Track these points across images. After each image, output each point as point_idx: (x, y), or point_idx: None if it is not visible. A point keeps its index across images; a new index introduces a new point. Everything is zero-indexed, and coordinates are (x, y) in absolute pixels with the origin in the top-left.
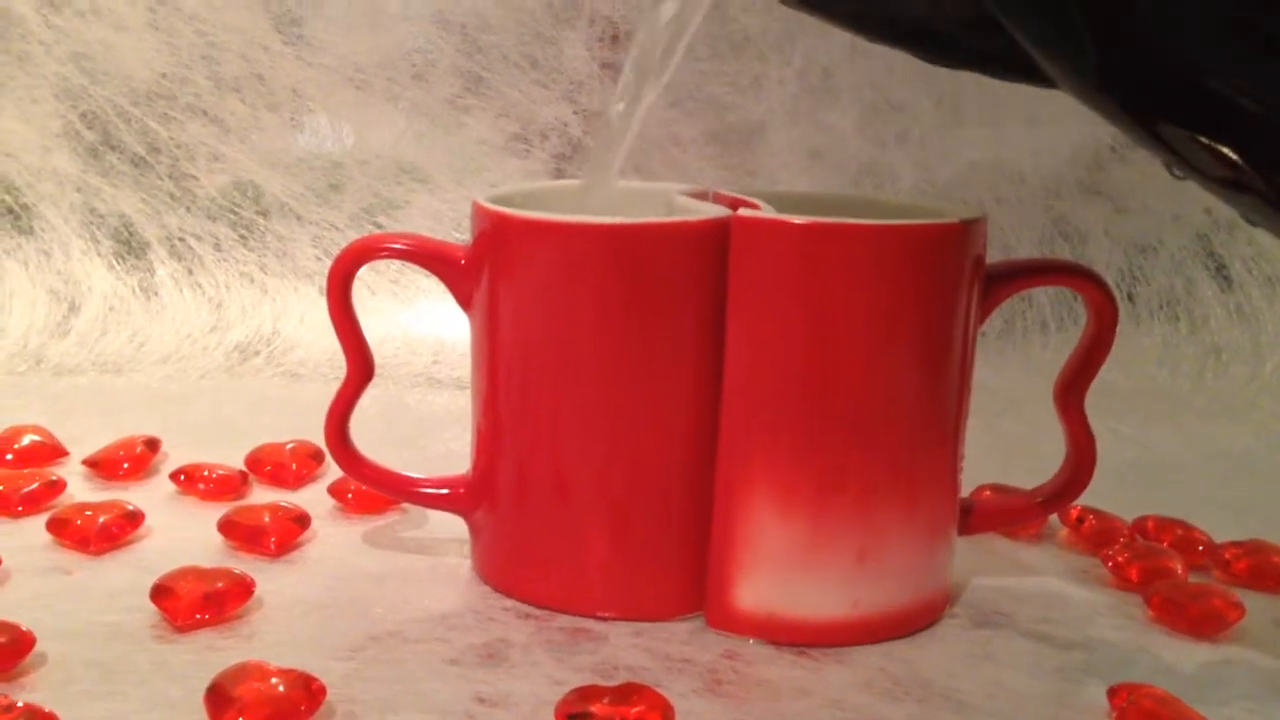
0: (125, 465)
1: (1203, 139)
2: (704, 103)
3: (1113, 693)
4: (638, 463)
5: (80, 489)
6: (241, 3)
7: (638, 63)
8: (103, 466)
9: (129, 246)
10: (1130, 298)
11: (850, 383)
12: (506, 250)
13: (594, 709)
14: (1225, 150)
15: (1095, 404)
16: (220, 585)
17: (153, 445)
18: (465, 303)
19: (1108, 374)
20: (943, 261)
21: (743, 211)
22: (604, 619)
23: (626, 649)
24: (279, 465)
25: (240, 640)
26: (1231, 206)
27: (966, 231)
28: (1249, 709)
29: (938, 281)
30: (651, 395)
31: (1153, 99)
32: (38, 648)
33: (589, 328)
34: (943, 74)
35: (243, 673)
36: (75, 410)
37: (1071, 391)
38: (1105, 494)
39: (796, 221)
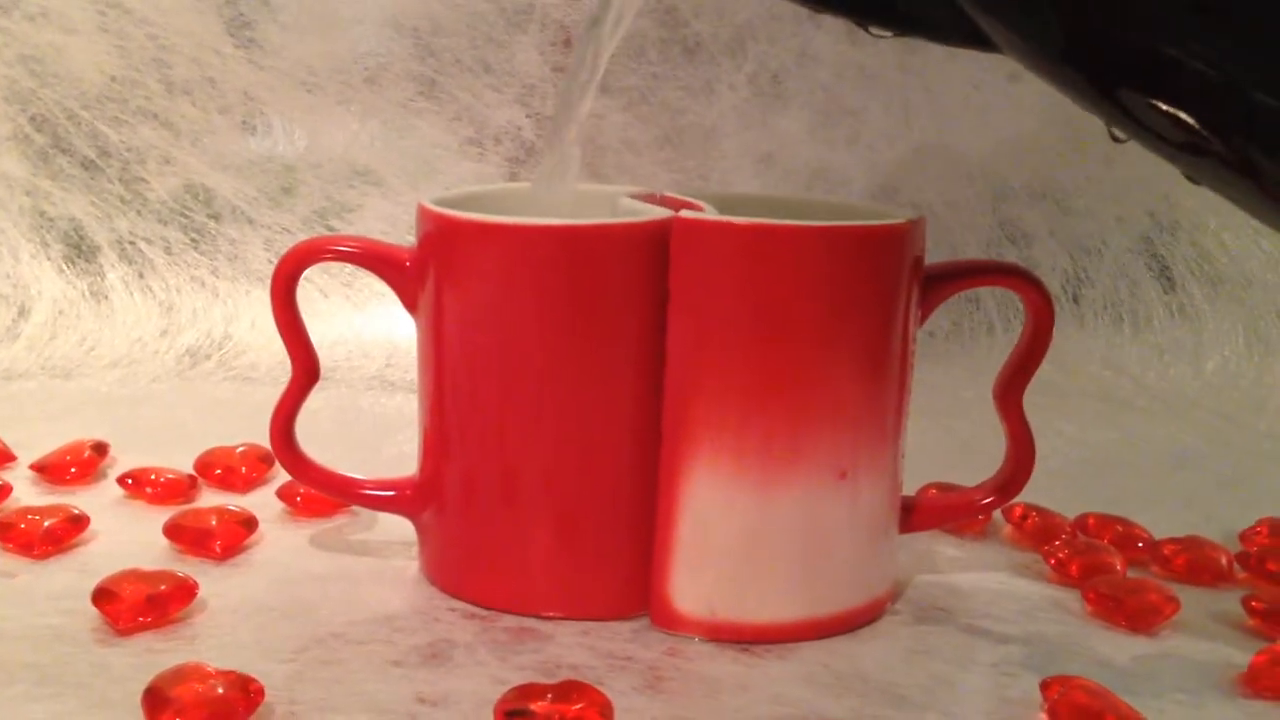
0: (73, 470)
1: (1162, 105)
2: (657, 107)
3: (1045, 685)
4: (583, 464)
5: (27, 494)
6: (193, 6)
7: (573, 69)
8: (50, 471)
9: (79, 250)
10: (1075, 299)
11: (791, 383)
12: (450, 252)
13: (534, 707)
14: (1183, 115)
15: (1040, 404)
16: (163, 588)
17: (101, 450)
18: (411, 305)
19: (1053, 374)
20: (881, 262)
21: (684, 213)
22: (550, 619)
23: (571, 648)
24: (228, 469)
25: (182, 643)
26: (1190, 170)
27: (905, 233)
28: (1179, 701)
29: (877, 282)
30: (596, 396)
31: (1114, 68)
32: None
33: (532, 329)
34: (891, 79)
35: (181, 674)
36: (24, 415)
37: (1010, 390)
38: (1049, 492)
39: (736, 223)
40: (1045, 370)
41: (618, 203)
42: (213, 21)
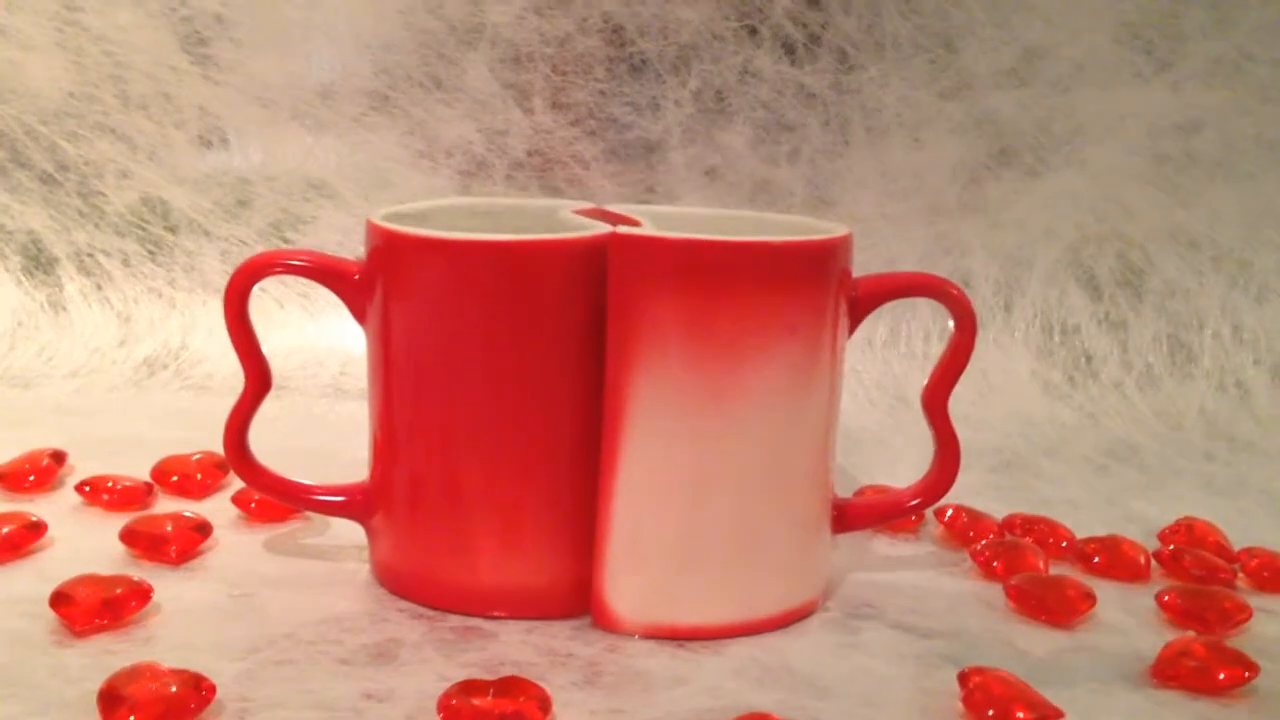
0: (31, 478)
1: None
2: (604, 122)
3: (963, 676)
4: (524, 470)
5: None
6: (148, 23)
7: None
8: (8, 480)
9: (37, 262)
10: (1007, 308)
11: (722, 390)
12: (397, 266)
13: (475, 702)
14: None
15: (975, 410)
16: (119, 591)
17: (59, 458)
18: (360, 316)
19: (987, 380)
20: (809, 276)
21: (621, 229)
22: (495, 618)
23: (514, 646)
24: (185, 476)
25: (137, 644)
26: None
27: (832, 248)
28: (1092, 690)
29: (806, 294)
30: (536, 405)
31: None
32: None
33: (474, 340)
34: (828, 97)
35: (134, 674)
36: None
37: (936, 396)
38: (979, 494)
39: (669, 238)
40: (979, 376)
41: (558, 217)
42: (168, 38)
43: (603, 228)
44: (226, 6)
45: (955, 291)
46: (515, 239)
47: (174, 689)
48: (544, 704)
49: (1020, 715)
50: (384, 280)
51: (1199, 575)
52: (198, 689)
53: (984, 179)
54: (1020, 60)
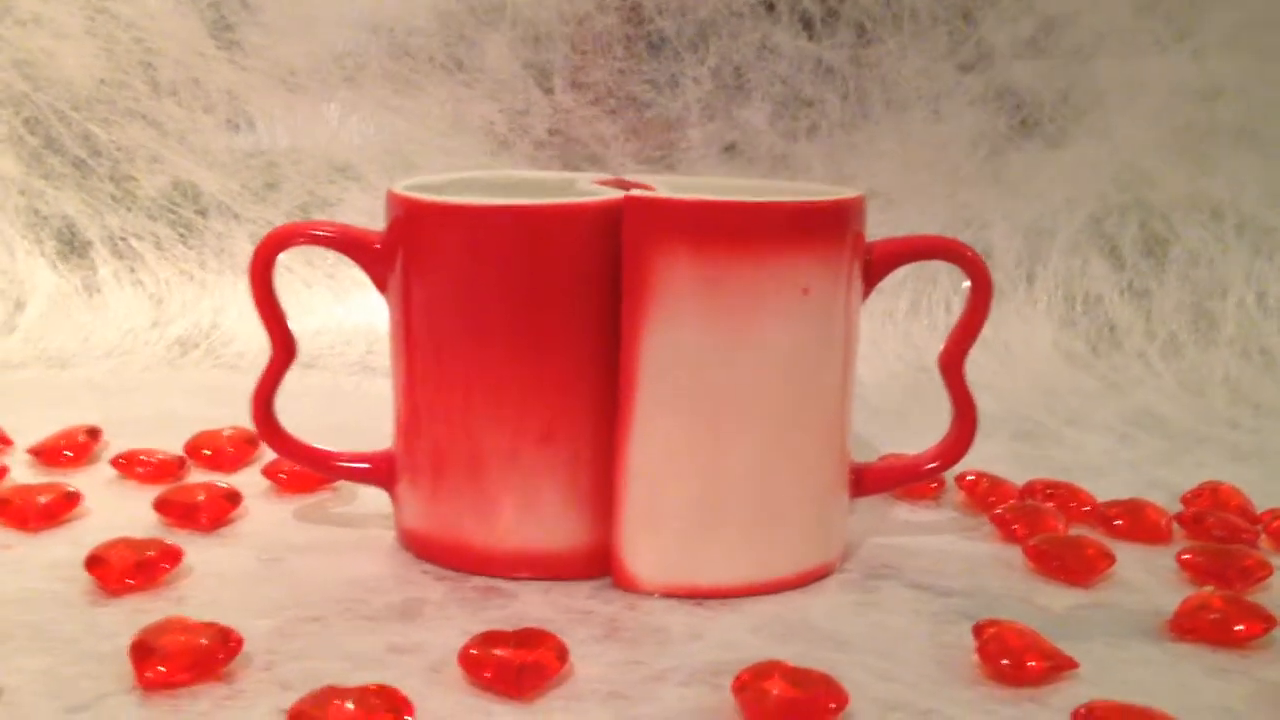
0: (68, 453)
1: None
2: (624, 100)
3: (978, 628)
4: (545, 434)
5: (24, 476)
6: (177, 10)
7: None
8: (45, 455)
9: (72, 246)
10: (1029, 279)
11: (736, 352)
12: (417, 233)
13: (496, 652)
14: None
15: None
16: (151, 554)
17: (94, 434)
18: (381, 286)
19: (1010, 351)
20: (821, 237)
21: (634, 192)
22: (518, 579)
23: (535, 604)
24: (216, 450)
25: (168, 603)
26: None
27: (843, 208)
28: (1108, 643)
29: (818, 255)
30: (556, 368)
31: None
32: None
33: (493, 305)
34: (847, 71)
35: (164, 627)
36: (21, 404)
37: (953, 358)
38: (1002, 462)
39: (682, 200)
40: (1002, 347)
41: (575, 185)
42: (196, 25)
43: (616, 192)
44: None
45: (970, 254)
46: (532, 203)
47: (203, 641)
48: (562, 654)
49: (1033, 665)
50: (404, 249)
51: (1221, 536)
52: (225, 641)
53: (1005, 150)
54: (1039, 30)
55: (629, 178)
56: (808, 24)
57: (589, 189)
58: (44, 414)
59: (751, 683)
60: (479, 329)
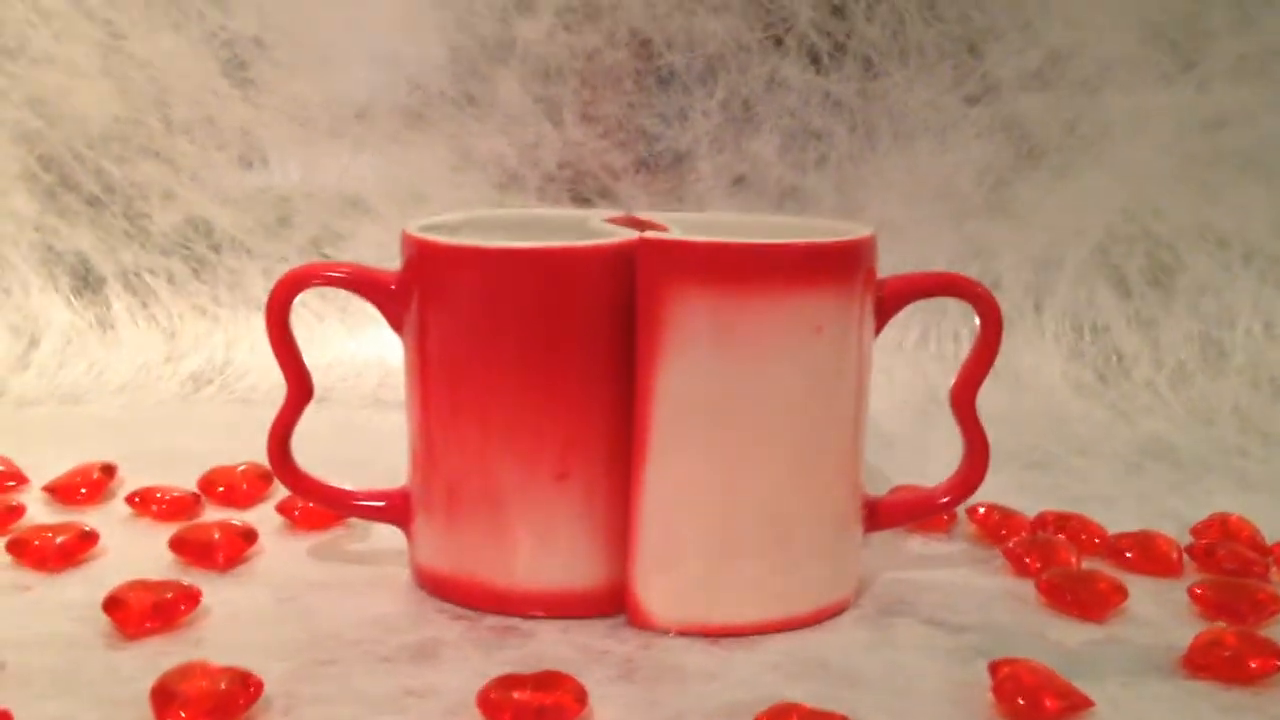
0: (83, 490)
1: None
2: (634, 133)
3: (994, 668)
4: (560, 473)
5: (40, 514)
6: (191, 49)
7: None
8: (61, 492)
9: (86, 282)
10: (1037, 309)
11: (750, 390)
12: (432, 275)
13: (514, 695)
14: None
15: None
16: (169, 595)
17: (109, 471)
18: (397, 326)
19: (1019, 381)
20: (834, 276)
21: (648, 234)
22: (533, 618)
23: (552, 644)
24: (231, 486)
25: (187, 646)
26: None
27: (855, 248)
28: (1123, 683)
29: (831, 295)
30: (571, 408)
31: None
32: None
33: (510, 344)
34: (854, 103)
35: (185, 672)
36: (35, 440)
37: (965, 392)
38: (1012, 493)
39: (695, 241)
40: (1011, 377)
41: (588, 225)
42: (210, 63)
43: (631, 234)
44: (266, 30)
45: (980, 290)
46: (547, 246)
47: (223, 685)
48: (580, 697)
49: (1049, 704)
50: (420, 289)
51: (1232, 569)
52: (246, 686)
53: (1012, 181)
54: (1045, 62)
55: (641, 215)
56: (815, 58)
57: (602, 228)
58: (58, 450)
59: None
60: (494, 368)
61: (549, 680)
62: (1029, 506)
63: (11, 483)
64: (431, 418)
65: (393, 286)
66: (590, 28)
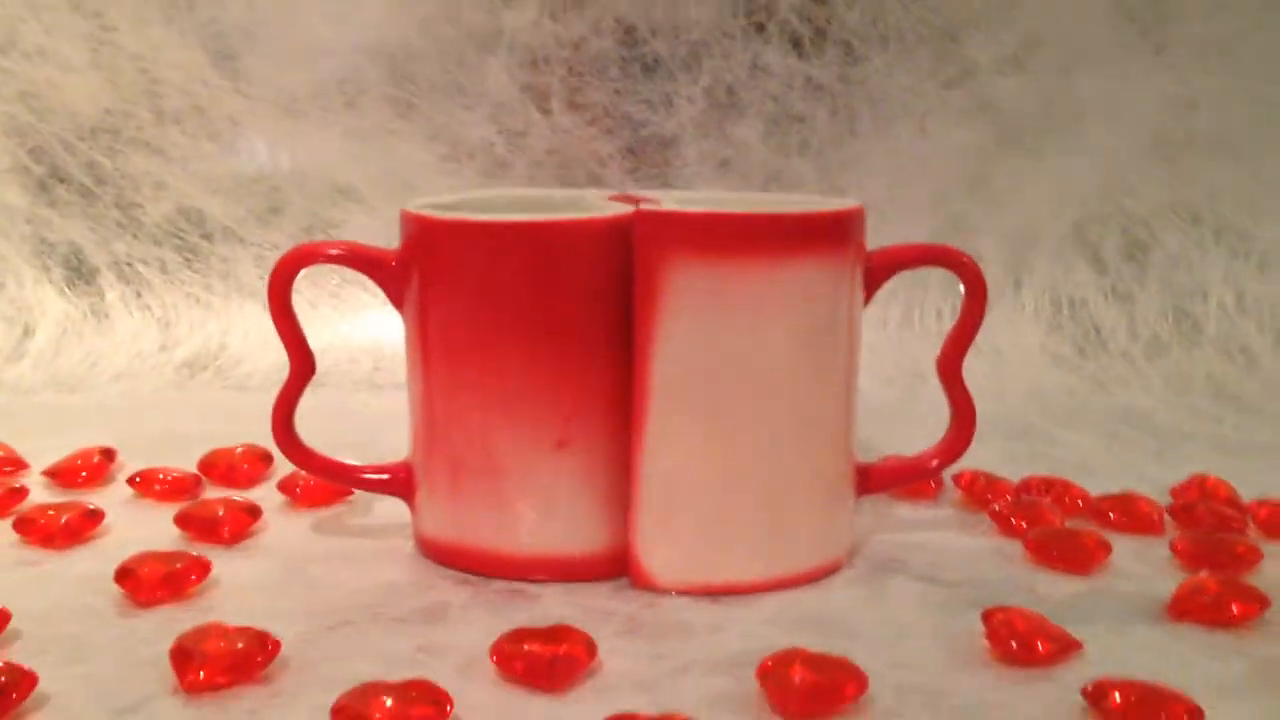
0: (83, 474)
1: None
2: (620, 120)
3: (987, 615)
4: (561, 441)
5: (42, 497)
6: (180, 40)
7: None
8: (62, 476)
9: (79, 273)
10: (1016, 285)
11: (744, 356)
12: (430, 250)
13: (527, 647)
14: None
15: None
16: (179, 566)
17: (109, 455)
18: (397, 302)
19: (1000, 355)
20: (825, 245)
21: (643, 205)
22: (538, 582)
23: (558, 605)
24: (230, 467)
25: (199, 613)
26: None
27: (845, 218)
28: (1110, 627)
29: (822, 263)
30: (570, 377)
31: None
32: (12, 624)
33: (510, 315)
34: (835, 88)
35: (203, 633)
36: (33, 428)
37: (951, 360)
38: (996, 462)
39: (690, 212)
40: (992, 351)
41: (584, 200)
42: (199, 54)
43: (626, 206)
44: (254, 22)
45: (965, 259)
46: (546, 219)
47: (241, 645)
48: (590, 649)
49: (1041, 647)
50: (420, 265)
51: (1211, 525)
52: (264, 645)
53: (990, 162)
54: (1021, 47)
55: (636, 194)
56: (797, 44)
57: (599, 204)
58: (56, 438)
59: (775, 670)
60: (494, 340)
61: (559, 633)
62: (1013, 474)
63: (10, 468)
64: (433, 390)
65: (393, 263)
66: (576, 16)
